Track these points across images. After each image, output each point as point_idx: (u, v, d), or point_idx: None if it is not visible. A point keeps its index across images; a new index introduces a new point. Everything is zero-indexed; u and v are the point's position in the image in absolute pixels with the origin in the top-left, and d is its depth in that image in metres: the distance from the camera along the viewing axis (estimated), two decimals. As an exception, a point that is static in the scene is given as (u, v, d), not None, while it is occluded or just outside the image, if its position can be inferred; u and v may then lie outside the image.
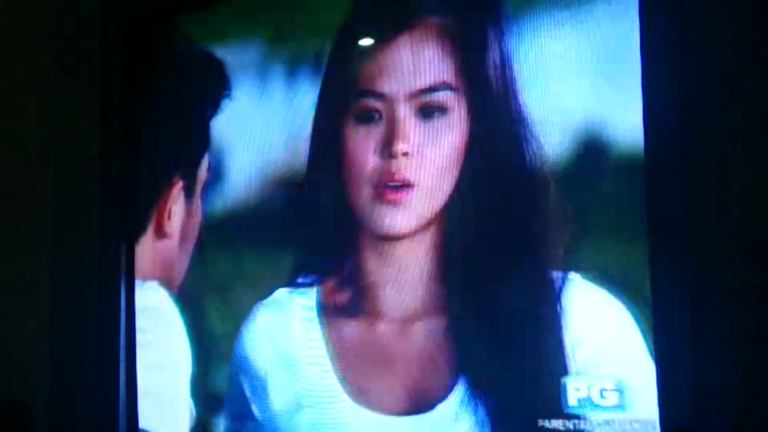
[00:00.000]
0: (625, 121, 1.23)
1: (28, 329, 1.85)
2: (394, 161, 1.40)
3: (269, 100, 1.59)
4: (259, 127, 1.60)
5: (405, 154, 1.39)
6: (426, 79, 1.39)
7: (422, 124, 1.38)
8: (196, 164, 1.67)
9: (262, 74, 1.60)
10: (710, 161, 1.21)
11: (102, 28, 1.88)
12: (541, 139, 1.29)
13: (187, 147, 1.71)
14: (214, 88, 1.66)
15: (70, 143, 1.89)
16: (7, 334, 1.83)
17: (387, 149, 1.40)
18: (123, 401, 1.74)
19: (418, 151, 1.38)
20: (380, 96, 1.42)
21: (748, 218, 1.18)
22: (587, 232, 1.26)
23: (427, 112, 1.38)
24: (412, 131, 1.39)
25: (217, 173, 1.65)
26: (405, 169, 1.39)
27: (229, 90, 1.65)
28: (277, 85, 1.58)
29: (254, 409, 1.56)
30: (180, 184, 1.70)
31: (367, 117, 1.43)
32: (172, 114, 1.77)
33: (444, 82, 1.38)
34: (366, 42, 1.47)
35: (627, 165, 1.23)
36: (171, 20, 1.78)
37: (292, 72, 1.57)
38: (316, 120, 1.51)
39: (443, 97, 1.38)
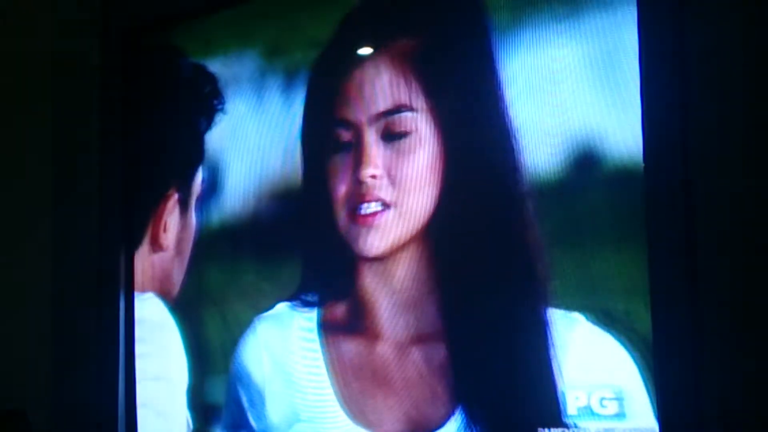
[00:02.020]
0: (622, 133, 1.23)
1: (28, 340, 1.85)
2: (363, 185, 1.42)
3: (263, 112, 1.58)
4: (254, 140, 1.59)
5: (373, 177, 1.41)
6: (386, 102, 1.41)
7: (388, 146, 1.40)
8: (191, 177, 1.67)
9: (257, 87, 1.60)
10: (711, 171, 1.20)
11: (100, 42, 1.86)
12: (529, 153, 1.29)
13: (182, 159, 1.70)
14: (209, 101, 1.65)
15: (69, 154, 1.89)
16: (7, 345, 1.83)
17: (356, 174, 1.42)
18: (122, 412, 1.75)
19: (386, 173, 1.40)
20: (348, 123, 1.44)
21: (750, 231, 1.18)
22: (581, 246, 1.26)
23: (391, 134, 1.40)
24: (378, 154, 1.40)
25: (210, 186, 1.65)
26: (375, 191, 1.41)
27: (223, 103, 1.64)
28: (272, 97, 1.58)
29: (251, 420, 1.57)
30: (175, 196, 1.69)
31: (339, 144, 1.45)
32: (166, 126, 1.76)
33: (404, 104, 1.39)
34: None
35: (625, 178, 1.23)
36: (166, 33, 1.77)
37: (286, 85, 1.56)
38: (303, 145, 1.53)
39: (405, 118, 1.39)
